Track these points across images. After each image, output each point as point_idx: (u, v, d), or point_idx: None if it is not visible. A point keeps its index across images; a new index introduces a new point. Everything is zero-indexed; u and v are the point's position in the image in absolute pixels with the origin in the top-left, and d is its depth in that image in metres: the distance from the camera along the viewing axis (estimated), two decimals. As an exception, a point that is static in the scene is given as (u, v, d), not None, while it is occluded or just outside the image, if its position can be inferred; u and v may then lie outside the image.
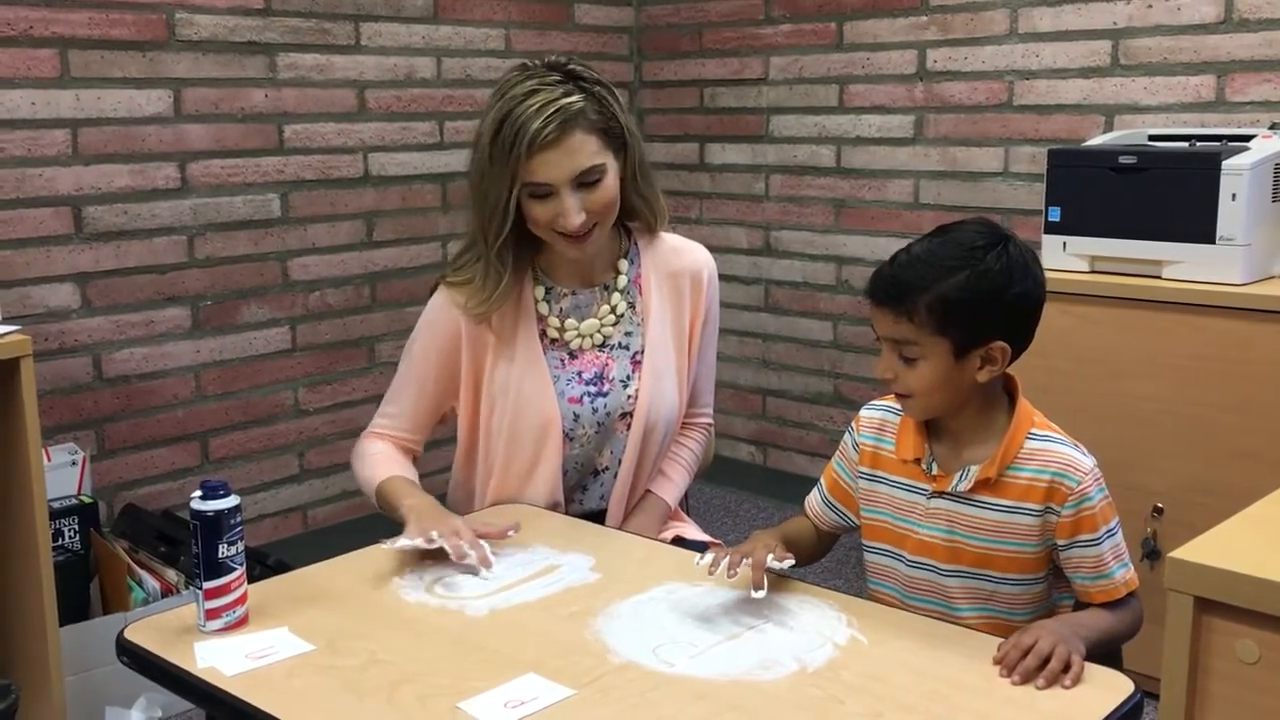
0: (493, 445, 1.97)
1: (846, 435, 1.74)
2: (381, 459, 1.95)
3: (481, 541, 1.70)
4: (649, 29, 4.14)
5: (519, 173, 1.80)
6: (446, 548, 1.67)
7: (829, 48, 3.68)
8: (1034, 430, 1.58)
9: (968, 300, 1.51)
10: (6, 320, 2.35)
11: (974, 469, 1.57)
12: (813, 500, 1.78)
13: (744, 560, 1.54)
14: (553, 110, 1.78)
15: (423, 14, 3.54)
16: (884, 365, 1.59)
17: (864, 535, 1.71)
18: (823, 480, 1.77)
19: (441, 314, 1.95)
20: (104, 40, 2.93)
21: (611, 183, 1.86)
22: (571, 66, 1.86)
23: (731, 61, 3.94)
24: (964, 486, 1.57)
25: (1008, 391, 1.62)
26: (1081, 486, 1.53)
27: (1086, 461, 1.56)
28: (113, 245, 3.00)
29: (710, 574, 1.55)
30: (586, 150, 1.82)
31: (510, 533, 1.76)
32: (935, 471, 1.60)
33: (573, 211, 1.81)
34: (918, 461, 1.62)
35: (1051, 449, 1.56)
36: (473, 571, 1.67)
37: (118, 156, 2.99)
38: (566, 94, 1.80)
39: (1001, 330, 1.54)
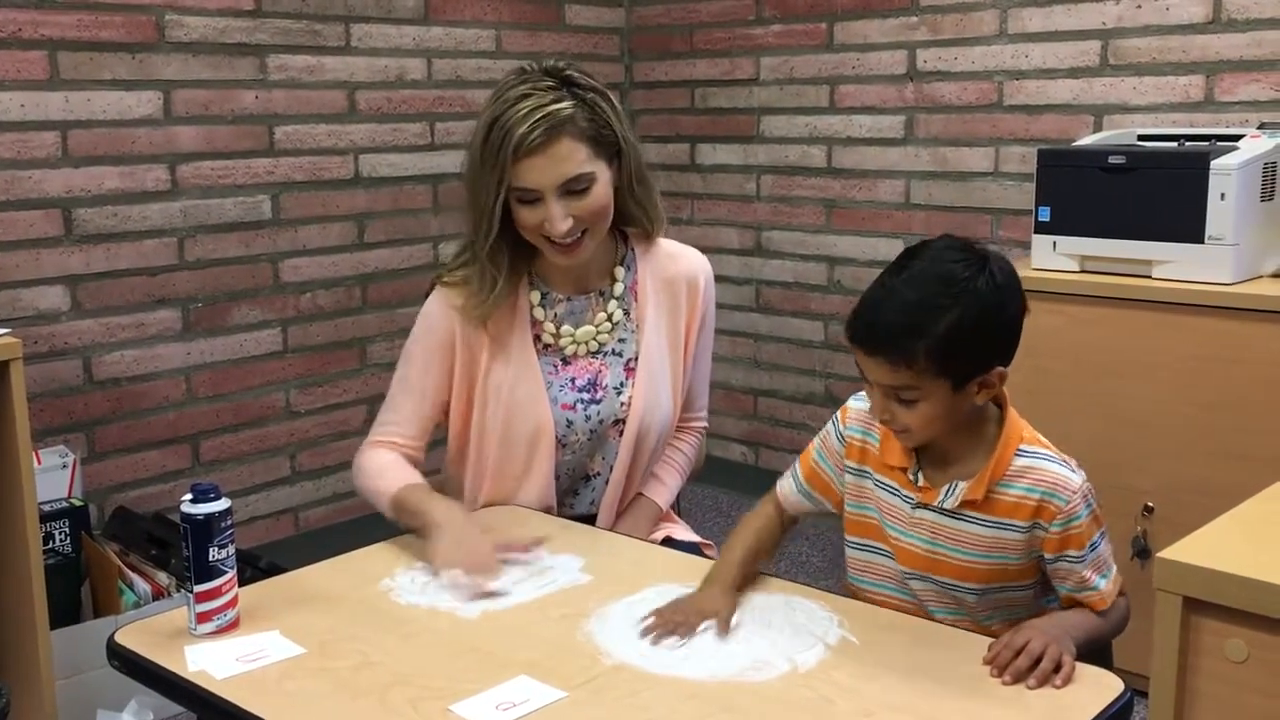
0: (484, 449, 1.97)
1: (831, 425, 1.70)
2: (389, 468, 1.92)
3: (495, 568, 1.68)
4: (640, 30, 4.14)
5: (505, 177, 1.80)
6: (452, 589, 1.65)
7: (819, 48, 3.68)
8: (1023, 446, 1.55)
9: (966, 337, 1.47)
10: (-4, 323, 2.35)
11: (961, 486, 1.54)
12: (787, 490, 1.73)
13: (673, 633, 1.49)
14: (540, 116, 1.77)
15: (413, 15, 3.54)
16: (879, 408, 1.54)
17: (847, 530, 1.68)
18: (799, 469, 1.73)
19: (438, 316, 1.94)
20: (93, 42, 2.93)
21: (601, 191, 1.85)
22: (569, 72, 1.85)
23: (722, 62, 3.94)
24: (950, 504, 1.55)
25: (996, 401, 1.59)
26: (1070, 505, 1.51)
27: (1075, 479, 1.52)
28: (103, 247, 3.00)
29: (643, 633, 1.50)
30: (574, 158, 1.80)
31: (534, 549, 1.75)
32: (921, 483, 1.57)
33: (558, 218, 1.81)
34: (904, 470, 1.59)
35: (1041, 467, 1.53)
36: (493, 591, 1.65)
37: (107, 158, 2.98)
38: (556, 100, 1.79)
39: (999, 355, 1.52)
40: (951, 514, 1.56)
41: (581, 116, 1.81)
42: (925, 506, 1.57)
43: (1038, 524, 1.53)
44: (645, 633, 1.50)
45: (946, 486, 1.56)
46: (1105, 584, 1.54)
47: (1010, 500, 1.54)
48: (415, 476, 1.92)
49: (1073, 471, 1.54)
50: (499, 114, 1.80)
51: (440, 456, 2.06)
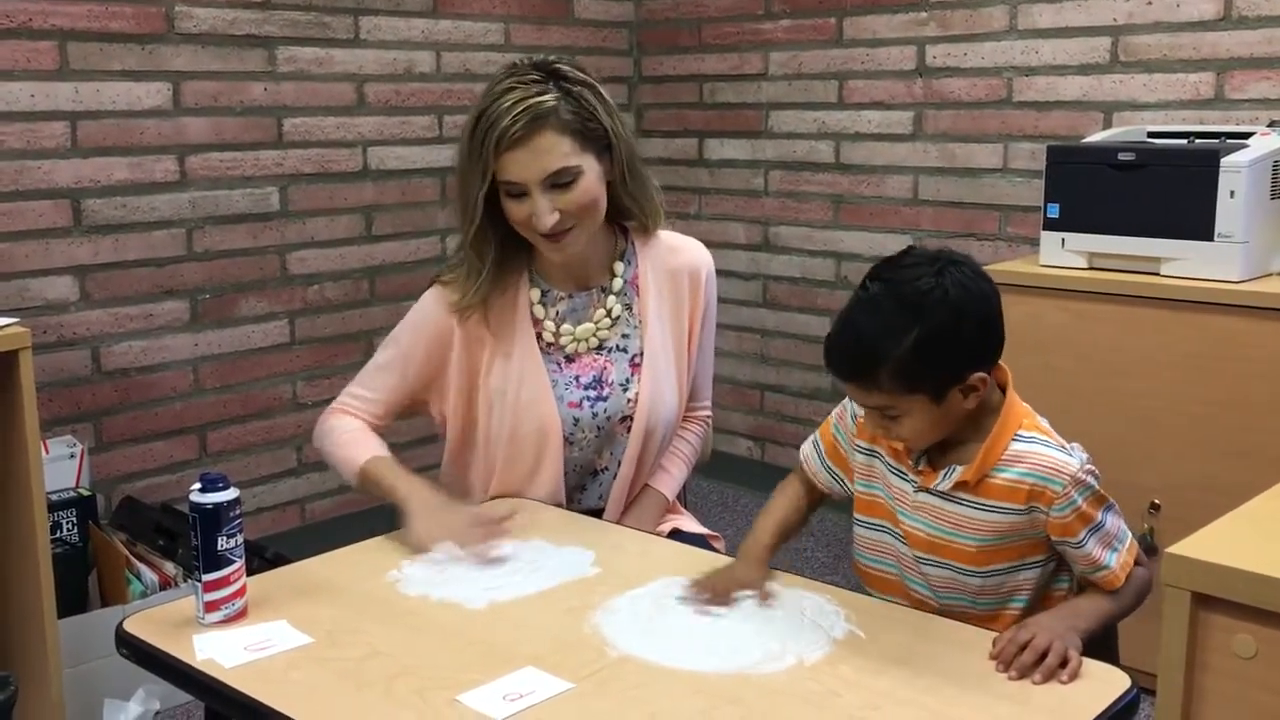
0: (492, 449, 1.97)
1: (846, 401, 1.70)
2: (357, 437, 1.93)
3: (490, 535, 1.73)
4: (648, 24, 4.14)
5: (489, 170, 1.80)
6: (464, 554, 1.70)
7: (828, 43, 3.68)
8: (1020, 432, 1.56)
9: (928, 355, 1.48)
10: (5, 313, 2.35)
11: (958, 470, 1.56)
12: (811, 460, 1.75)
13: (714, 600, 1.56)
14: (522, 109, 1.77)
15: (422, 8, 3.54)
16: (871, 426, 1.59)
17: (856, 508, 1.70)
18: (820, 443, 1.74)
19: (435, 311, 1.94)
20: (103, 33, 2.93)
21: (588, 185, 1.83)
22: (557, 66, 1.84)
23: (731, 57, 3.94)
24: (944, 486, 1.57)
25: (1000, 385, 1.60)
26: (1065, 490, 1.51)
27: (1072, 463, 1.53)
28: (111, 238, 3.00)
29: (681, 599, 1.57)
30: (558, 151, 1.79)
31: (509, 518, 1.78)
32: (922, 467, 1.59)
33: (544, 212, 1.80)
34: (908, 452, 1.61)
35: (1036, 452, 1.54)
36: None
37: (116, 149, 2.99)
38: (540, 93, 1.79)
39: (971, 362, 1.52)
40: (948, 497, 1.57)
41: (566, 109, 1.80)
42: (926, 490, 1.59)
43: (1035, 508, 1.54)
44: (685, 600, 1.55)
45: (945, 470, 1.57)
46: (1116, 560, 1.54)
47: (1004, 485, 1.54)
48: (384, 449, 1.93)
49: (1069, 455, 1.54)
50: (485, 107, 1.80)
51: (434, 452, 2.06)
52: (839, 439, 1.72)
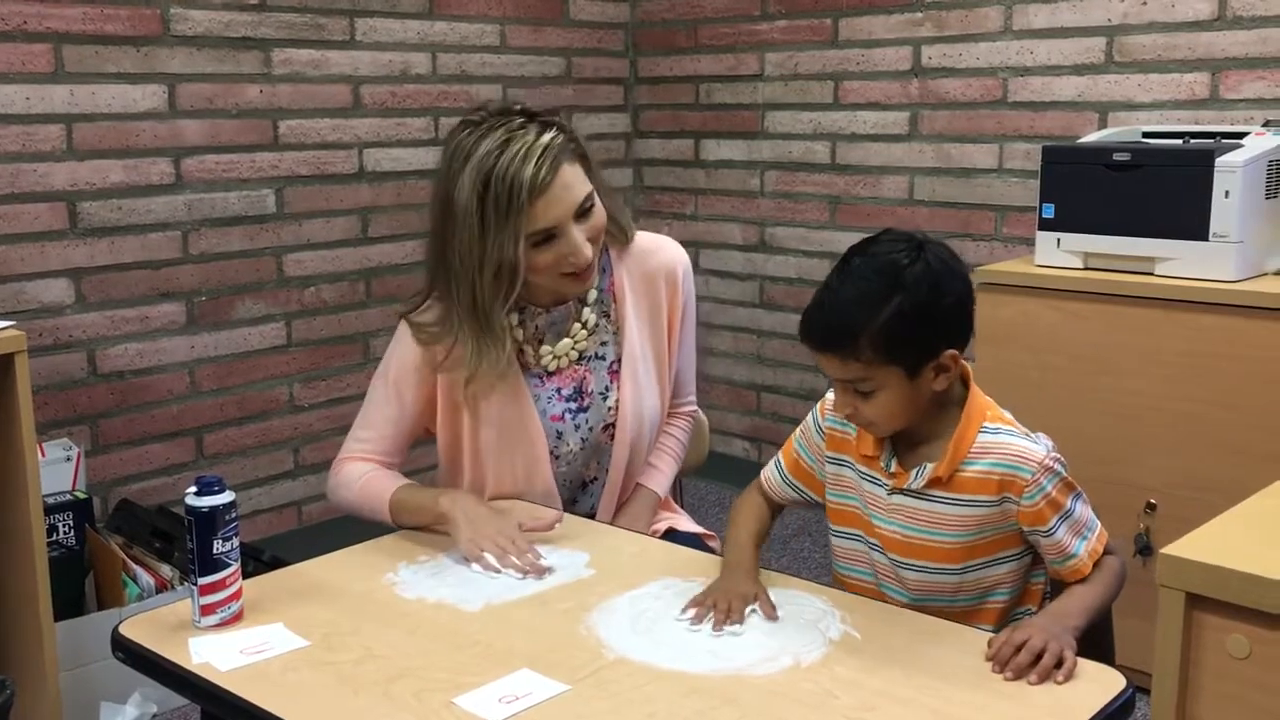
0: (480, 469, 1.96)
1: (810, 417, 1.74)
2: (376, 476, 1.91)
3: (532, 546, 1.73)
4: (645, 25, 4.14)
5: (522, 225, 1.77)
6: (504, 570, 1.68)
7: (824, 44, 3.68)
8: (986, 424, 1.58)
9: (907, 324, 1.50)
10: (1, 316, 2.35)
11: (929, 466, 1.57)
12: (772, 479, 1.77)
13: (727, 618, 1.52)
14: (541, 151, 1.76)
15: (418, 9, 3.54)
16: (841, 403, 1.59)
17: (830, 519, 1.71)
18: (782, 460, 1.77)
19: (414, 343, 1.92)
20: (98, 35, 2.93)
21: (599, 205, 1.85)
22: (520, 106, 1.84)
23: (727, 58, 3.94)
24: (918, 485, 1.58)
25: (962, 380, 1.62)
26: (1035, 478, 1.53)
27: (1039, 451, 1.55)
28: (107, 241, 3.00)
29: (693, 624, 1.52)
30: (578, 180, 1.81)
31: (556, 526, 1.80)
32: (893, 469, 1.61)
33: (583, 243, 1.80)
34: (877, 457, 1.62)
35: (1003, 442, 1.56)
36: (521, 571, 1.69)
37: (112, 152, 2.99)
38: (540, 132, 1.78)
39: (947, 339, 1.54)
40: (922, 495, 1.59)
41: (565, 139, 1.81)
42: (899, 491, 1.60)
43: (1007, 497, 1.55)
44: (696, 621, 1.51)
45: (916, 469, 1.59)
46: (1084, 548, 1.55)
47: (975, 477, 1.56)
48: (403, 479, 1.92)
49: (1035, 443, 1.56)
50: (490, 167, 1.76)
51: (432, 455, 2.06)
52: (801, 455, 1.74)
